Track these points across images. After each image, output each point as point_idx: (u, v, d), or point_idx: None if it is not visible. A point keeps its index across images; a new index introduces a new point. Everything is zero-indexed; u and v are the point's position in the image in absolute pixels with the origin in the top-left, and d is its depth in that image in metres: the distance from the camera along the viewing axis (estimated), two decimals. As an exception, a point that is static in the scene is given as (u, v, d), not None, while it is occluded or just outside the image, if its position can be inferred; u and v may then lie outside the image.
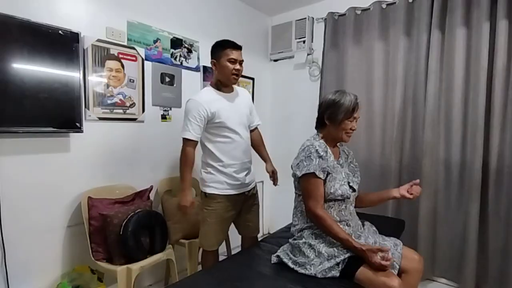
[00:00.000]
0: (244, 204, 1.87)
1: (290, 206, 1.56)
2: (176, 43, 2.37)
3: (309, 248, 1.36)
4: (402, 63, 2.35)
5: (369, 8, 2.50)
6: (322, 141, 1.44)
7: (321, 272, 1.28)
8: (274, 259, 1.47)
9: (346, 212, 1.44)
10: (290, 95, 3.20)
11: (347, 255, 1.27)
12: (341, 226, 1.40)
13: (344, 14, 2.65)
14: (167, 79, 2.31)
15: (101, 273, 1.80)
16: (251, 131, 1.96)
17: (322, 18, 2.84)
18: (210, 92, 1.75)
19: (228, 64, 1.69)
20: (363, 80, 2.55)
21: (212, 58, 1.76)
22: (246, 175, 1.82)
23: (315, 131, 1.52)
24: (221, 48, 1.72)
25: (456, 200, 2.19)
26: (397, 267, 1.35)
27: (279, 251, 1.51)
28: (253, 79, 3.09)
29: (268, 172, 1.98)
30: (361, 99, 1.45)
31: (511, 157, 1.97)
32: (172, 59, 2.35)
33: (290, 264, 1.39)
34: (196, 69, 2.54)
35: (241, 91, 1.90)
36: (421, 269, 1.47)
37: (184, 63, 2.44)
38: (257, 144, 2.02)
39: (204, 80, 2.59)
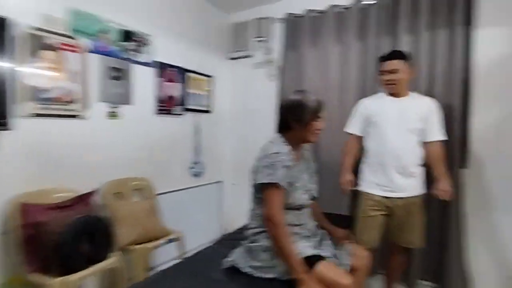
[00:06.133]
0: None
1: (249, 205, 1.51)
2: (126, 35, 2.21)
3: (266, 251, 1.33)
4: (356, 65, 2.43)
5: (325, 11, 2.55)
6: (286, 146, 1.38)
7: (279, 275, 1.27)
8: (226, 263, 1.42)
9: (304, 216, 1.45)
10: (249, 94, 3.17)
11: (302, 256, 1.27)
12: (299, 229, 1.40)
13: (302, 16, 2.68)
14: (116, 74, 2.15)
15: (37, 286, 1.62)
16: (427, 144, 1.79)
17: (280, 19, 2.85)
18: (378, 95, 1.93)
19: (381, 76, 1.83)
20: (322, 81, 2.58)
21: None
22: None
23: (275, 131, 1.47)
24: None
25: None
26: (348, 264, 1.38)
27: (233, 255, 1.45)
28: (211, 76, 3.02)
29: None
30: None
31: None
32: (122, 53, 2.19)
33: (246, 269, 1.35)
34: (149, 64, 2.40)
35: (419, 99, 1.82)
36: (368, 265, 1.52)
37: (135, 58, 2.29)
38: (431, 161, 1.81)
39: (160, 76, 2.46)
